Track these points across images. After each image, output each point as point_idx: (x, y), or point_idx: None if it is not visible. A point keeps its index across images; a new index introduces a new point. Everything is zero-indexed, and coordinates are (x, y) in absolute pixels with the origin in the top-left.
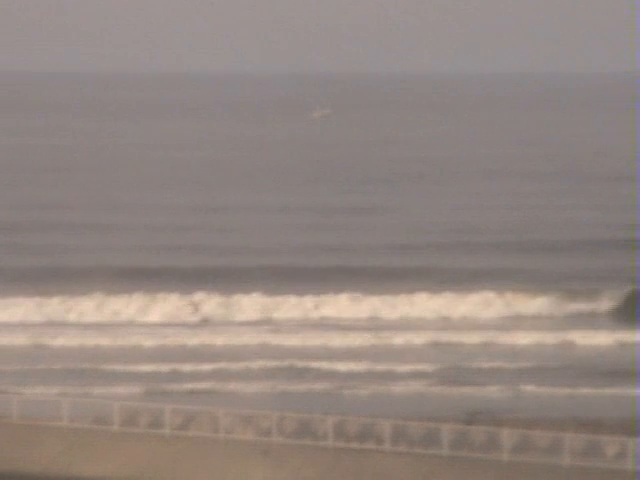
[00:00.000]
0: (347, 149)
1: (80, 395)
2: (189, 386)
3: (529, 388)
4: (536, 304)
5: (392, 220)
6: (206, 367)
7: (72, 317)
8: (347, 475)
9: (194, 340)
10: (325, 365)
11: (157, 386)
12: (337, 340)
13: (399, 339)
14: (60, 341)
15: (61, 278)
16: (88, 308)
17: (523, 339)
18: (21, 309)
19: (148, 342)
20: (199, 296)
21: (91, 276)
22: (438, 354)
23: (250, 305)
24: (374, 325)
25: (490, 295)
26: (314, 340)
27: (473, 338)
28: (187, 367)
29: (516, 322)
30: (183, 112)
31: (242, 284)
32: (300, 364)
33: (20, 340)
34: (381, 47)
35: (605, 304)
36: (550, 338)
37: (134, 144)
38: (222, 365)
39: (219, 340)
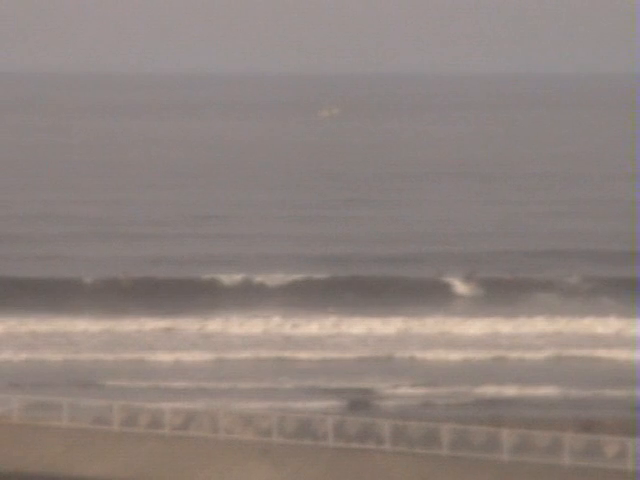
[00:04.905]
0: (356, 148)
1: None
2: None
3: None
4: None
5: None
6: None
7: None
8: (347, 475)
9: None
10: None
11: None
12: None
13: None
14: None
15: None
16: None
17: None
18: None
19: None
20: None
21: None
22: None
23: None
24: None
25: None
26: None
27: None
28: None
29: None
30: (191, 113)
31: None
32: None
33: None
34: (388, 47)
35: None
36: None
37: (146, 145)
38: None
39: None
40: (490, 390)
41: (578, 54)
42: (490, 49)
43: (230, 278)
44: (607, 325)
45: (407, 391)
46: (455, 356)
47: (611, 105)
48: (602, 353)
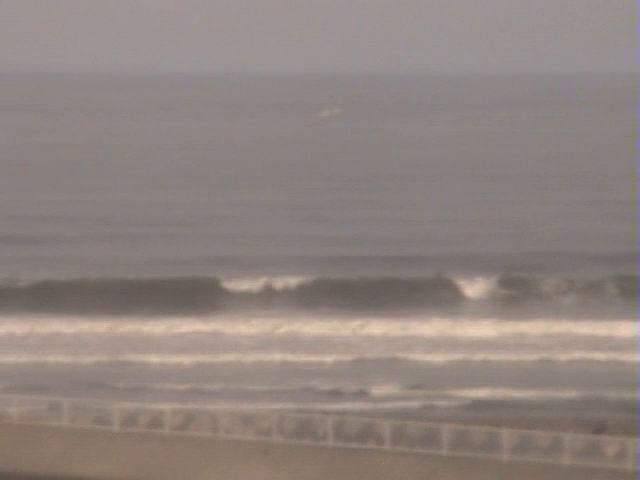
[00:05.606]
0: (358, 148)
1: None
2: None
3: None
4: None
5: None
6: None
7: None
8: (347, 475)
9: None
10: None
11: None
12: None
13: None
14: None
15: None
16: None
17: None
18: None
19: None
20: None
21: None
22: None
23: None
24: None
25: None
26: None
27: None
28: None
29: None
30: (192, 113)
31: None
32: None
33: None
34: (389, 47)
35: None
36: None
37: (147, 145)
38: None
39: None
40: (502, 393)
41: (578, 54)
42: (490, 49)
43: (231, 279)
44: (619, 328)
45: (414, 392)
46: (464, 357)
47: (611, 105)
48: (616, 355)
